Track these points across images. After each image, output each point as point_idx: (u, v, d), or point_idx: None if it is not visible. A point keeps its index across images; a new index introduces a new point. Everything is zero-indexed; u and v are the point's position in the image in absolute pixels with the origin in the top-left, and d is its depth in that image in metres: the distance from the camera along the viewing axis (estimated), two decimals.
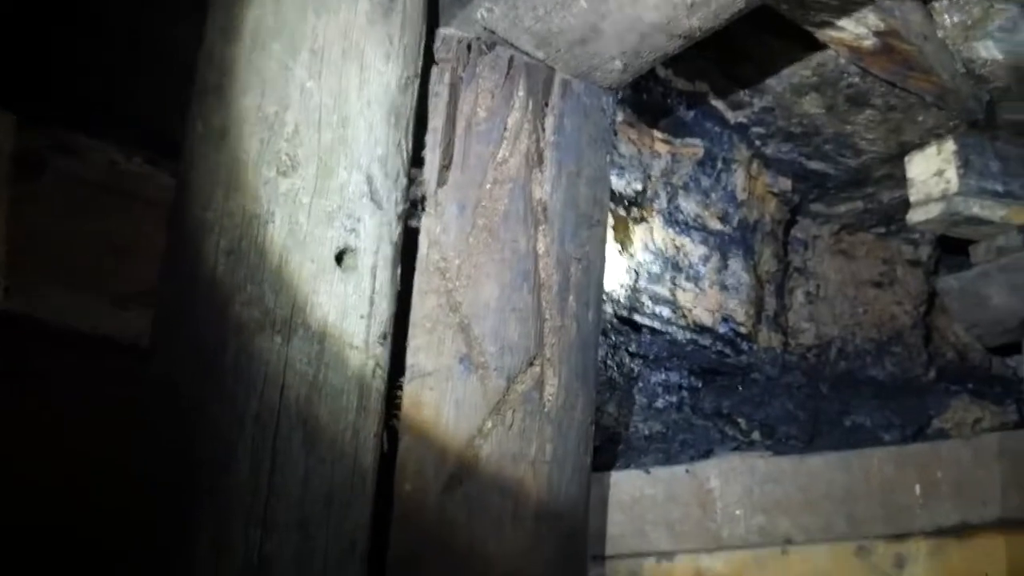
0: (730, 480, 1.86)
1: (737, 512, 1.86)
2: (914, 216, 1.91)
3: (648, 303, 1.92)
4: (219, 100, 1.23)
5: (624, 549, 1.75)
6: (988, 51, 1.60)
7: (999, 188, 1.84)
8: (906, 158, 1.91)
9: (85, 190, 1.45)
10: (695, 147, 1.96)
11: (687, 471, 1.83)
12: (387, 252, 1.30)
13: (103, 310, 1.42)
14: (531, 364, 1.39)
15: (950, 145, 1.83)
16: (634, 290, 1.91)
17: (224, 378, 1.17)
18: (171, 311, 1.22)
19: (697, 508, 1.83)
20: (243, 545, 1.12)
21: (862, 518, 1.96)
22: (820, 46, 1.67)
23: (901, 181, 1.98)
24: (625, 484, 1.77)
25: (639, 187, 1.91)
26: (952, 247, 2.20)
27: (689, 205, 1.97)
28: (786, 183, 2.08)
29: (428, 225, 1.38)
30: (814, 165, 2.03)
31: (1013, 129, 1.82)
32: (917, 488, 1.99)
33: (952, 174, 1.83)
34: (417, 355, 1.35)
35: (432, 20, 1.41)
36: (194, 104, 1.26)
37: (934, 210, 1.87)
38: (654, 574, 1.79)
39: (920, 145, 1.88)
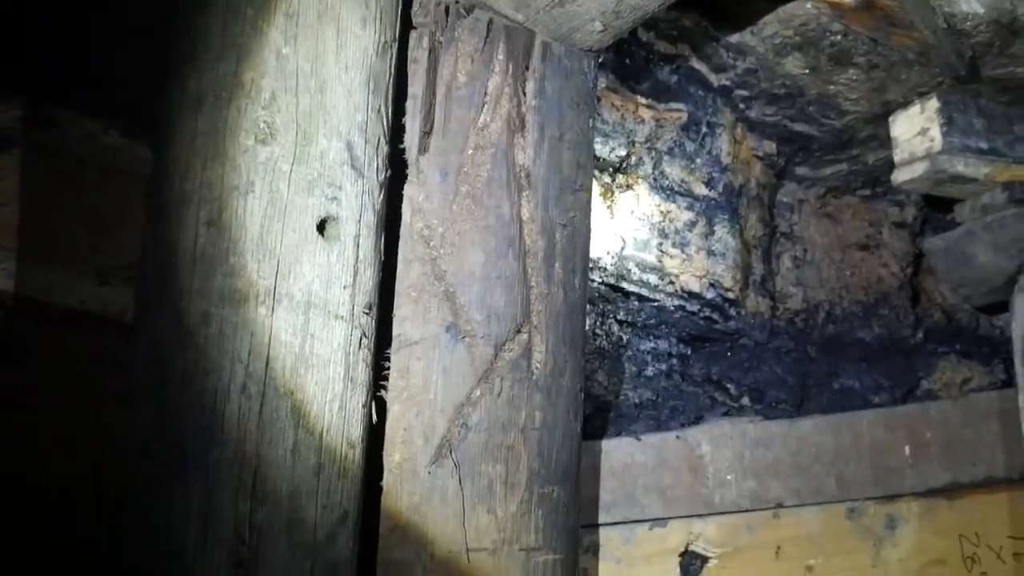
0: (721, 445, 1.87)
1: (728, 477, 1.87)
2: (899, 176, 1.91)
3: (635, 270, 1.92)
4: (194, 68, 1.21)
5: (617, 516, 1.75)
6: (969, 5, 1.59)
7: (983, 145, 1.83)
8: (890, 118, 1.90)
9: (62, 164, 1.43)
10: (679, 112, 1.94)
11: (677, 437, 1.84)
12: (370, 220, 1.28)
13: (86, 285, 1.40)
14: (518, 331, 1.38)
15: (933, 103, 1.83)
16: (621, 257, 1.90)
17: (209, 350, 1.15)
18: (154, 284, 1.20)
19: (688, 474, 1.83)
20: (233, 516, 1.12)
21: (852, 480, 1.97)
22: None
23: (886, 142, 1.97)
24: (616, 452, 1.77)
25: (623, 153, 1.89)
26: (937, 207, 2.20)
27: (674, 171, 1.96)
28: (771, 146, 2.07)
29: (411, 193, 1.36)
30: (798, 127, 2.02)
31: (996, 85, 1.81)
32: (907, 449, 2.01)
33: (936, 132, 1.83)
34: (403, 324, 1.33)
35: None
36: (170, 73, 1.24)
37: (919, 169, 1.86)
38: (647, 540, 1.79)
39: (904, 104, 1.87)
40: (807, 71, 1.85)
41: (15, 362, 1.34)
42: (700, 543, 1.85)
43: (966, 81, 1.80)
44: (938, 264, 2.12)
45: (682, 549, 1.82)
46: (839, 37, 1.72)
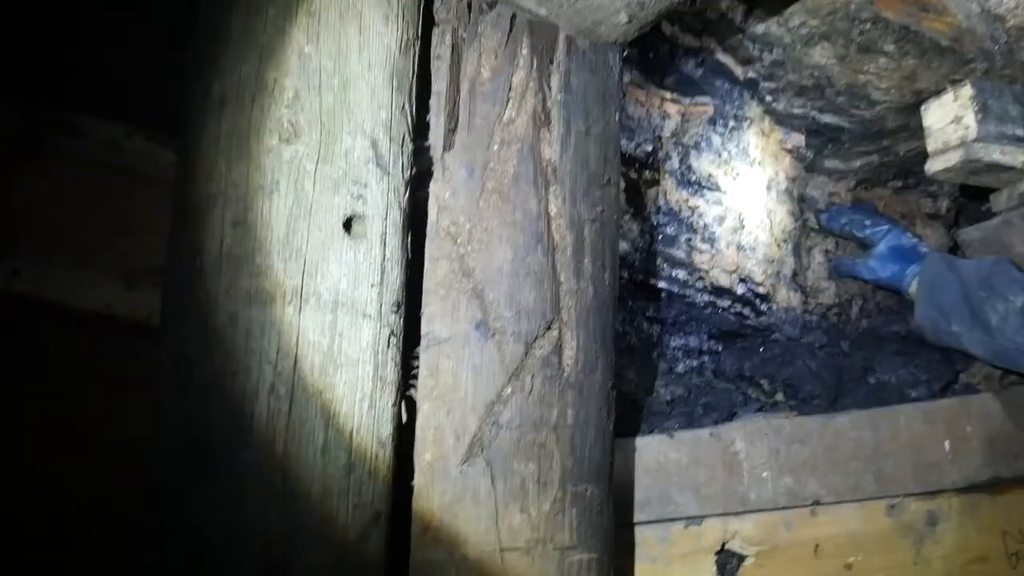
0: (755, 442, 1.83)
1: (764, 474, 1.84)
2: (932, 166, 1.86)
3: (664, 266, 1.89)
4: (216, 69, 1.21)
5: (651, 515, 1.72)
6: None
7: (1020, 132, 1.79)
8: (922, 107, 1.86)
9: (87, 169, 1.43)
10: (705, 106, 1.91)
11: (711, 434, 1.81)
12: (396, 218, 1.27)
13: (112, 289, 1.41)
14: (548, 328, 1.36)
15: (967, 90, 1.78)
16: (649, 253, 1.87)
17: (237, 351, 1.15)
18: (180, 286, 1.20)
19: (723, 471, 1.80)
20: (263, 518, 1.11)
21: (891, 476, 1.93)
22: None
23: (917, 132, 1.93)
24: (649, 449, 1.75)
25: (649, 149, 1.87)
26: (972, 197, 2.15)
27: (702, 165, 1.93)
28: (799, 139, 2.03)
29: (437, 190, 1.35)
30: (827, 119, 1.99)
31: None
32: (947, 444, 1.96)
33: (970, 120, 1.78)
34: (432, 322, 1.32)
35: None
36: (192, 74, 1.24)
37: (953, 158, 1.82)
38: (682, 539, 1.76)
39: (936, 92, 1.83)
40: (835, 61, 1.81)
41: (41, 367, 1.35)
42: (736, 541, 1.81)
43: (1001, 67, 1.75)
44: (974, 255, 2.07)
45: (718, 547, 1.79)
46: (868, 25, 1.69)
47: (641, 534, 1.72)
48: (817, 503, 1.86)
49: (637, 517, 1.70)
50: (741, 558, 1.81)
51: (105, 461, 1.34)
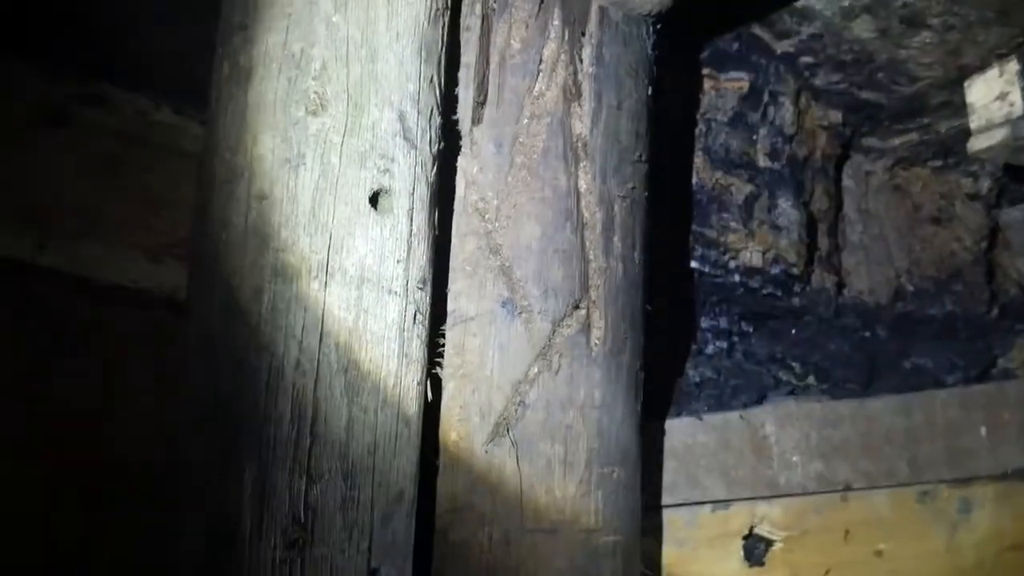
0: (786, 425, 1.81)
1: (794, 458, 1.81)
2: (975, 144, 1.81)
3: (695, 245, 1.86)
4: (244, 40, 1.19)
5: (679, 498, 1.70)
6: None
7: None
8: (965, 83, 1.81)
9: (113, 141, 1.42)
10: (740, 81, 1.87)
11: (741, 417, 1.78)
12: (423, 193, 1.25)
13: (138, 263, 1.40)
14: (576, 307, 1.34)
15: (1013, 65, 1.73)
16: (680, 231, 1.84)
17: (262, 327, 1.13)
18: (205, 261, 1.18)
19: (752, 455, 1.78)
20: (288, 495, 1.10)
21: (925, 462, 1.90)
22: None
23: (960, 109, 1.88)
24: (677, 432, 1.73)
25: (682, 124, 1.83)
26: (1015, 177, 2.09)
27: (735, 142, 1.89)
28: (837, 116, 1.98)
29: (465, 165, 1.32)
30: (866, 95, 1.93)
31: None
32: (983, 430, 1.93)
33: (1016, 96, 1.73)
34: (458, 300, 1.30)
35: None
36: (219, 46, 1.22)
37: (997, 136, 1.77)
38: (710, 523, 1.74)
39: (981, 68, 1.77)
40: (876, 35, 1.76)
41: (66, 341, 1.34)
42: (764, 526, 1.79)
43: None
44: (1016, 237, 2.02)
45: (746, 532, 1.77)
46: None
47: (668, 517, 1.70)
48: (848, 488, 1.83)
49: (664, 500, 1.68)
50: (769, 543, 1.78)
51: (131, 438, 1.34)
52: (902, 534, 1.87)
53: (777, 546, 1.79)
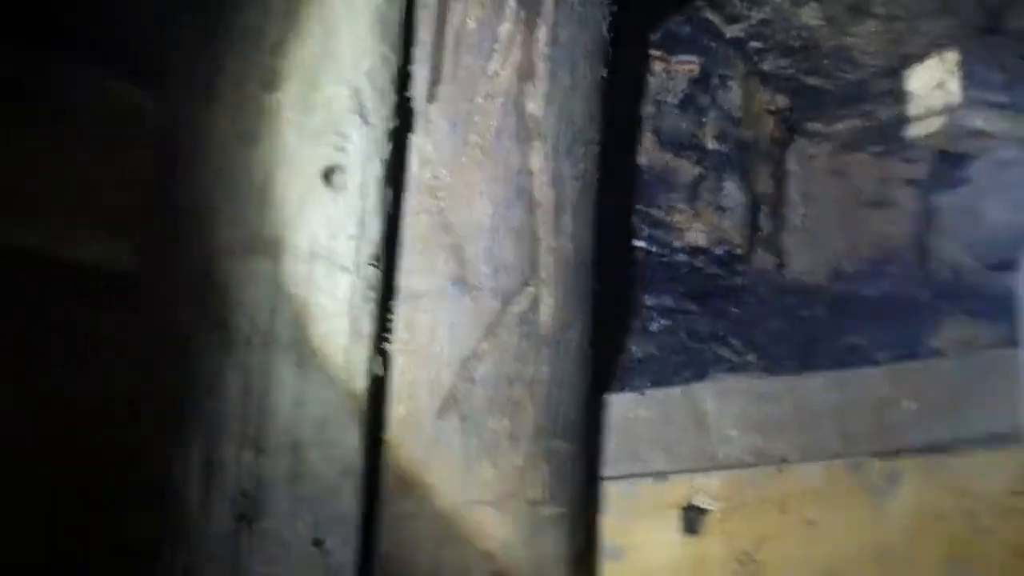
0: (725, 401, 1.85)
1: (732, 432, 1.86)
2: (914, 131, 1.87)
3: (642, 225, 1.89)
4: (200, 15, 1.18)
5: (620, 471, 1.75)
6: None
7: (1003, 100, 1.79)
8: (906, 71, 1.86)
9: (68, 116, 1.38)
10: (690, 64, 1.90)
11: (682, 392, 1.83)
12: (376, 170, 1.26)
13: (94, 239, 1.37)
14: (526, 285, 1.36)
15: (952, 56, 1.78)
16: (627, 212, 1.87)
17: (213, 302, 1.14)
18: (159, 237, 1.18)
19: (692, 429, 1.82)
20: (236, 468, 1.11)
21: (856, 436, 1.96)
22: None
23: (901, 97, 1.93)
24: (620, 406, 1.76)
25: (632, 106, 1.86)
26: (951, 164, 2.16)
27: (684, 124, 1.92)
28: (784, 100, 2.03)
29: (419, 143, 1.33)
30: (812, 81, 1.98)
31: (1018, 38, 1.76)
32: (912, 406, 1.99)
33: (954, 86, 1.78)
34: (409, 277, 1.32)
35: None
36: (175, 22, 1.20)
37: (935, 124, 1.83)
38: (649, 494, 1.79)
39: (922, 57, 1.83)
40: (824, 22, 1.80)
41: (18, 316, 1.31)
42: (702, 497, 1.84)
43: (987, 34, 1.75)
44: (949, 222, 2.09)
45: (684, 504, 1.82)
46: None
47: (609, 489, 1.74)
48: (784, 461, 1.88)
49: (606, 472, 1.72)
50: (706, 513, 1.84)
51: (80, 416, 1.31)
52: (833, 504, 1.94)
53: (714, 516, 1.85)
